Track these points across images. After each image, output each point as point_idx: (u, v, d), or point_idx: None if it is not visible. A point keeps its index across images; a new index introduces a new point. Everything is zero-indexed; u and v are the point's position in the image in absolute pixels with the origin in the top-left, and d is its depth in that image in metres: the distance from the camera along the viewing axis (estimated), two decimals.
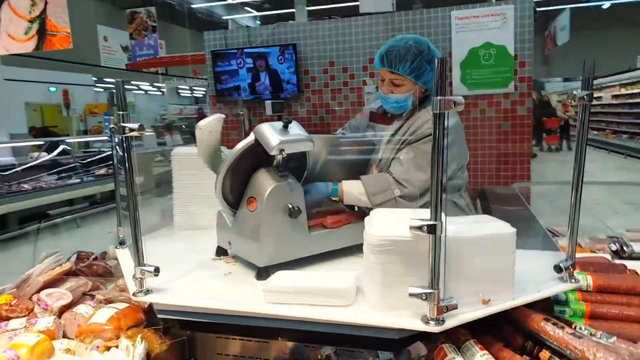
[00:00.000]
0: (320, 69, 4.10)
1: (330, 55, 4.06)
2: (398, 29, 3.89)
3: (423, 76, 1.86)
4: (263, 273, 1.40)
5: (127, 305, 1.61)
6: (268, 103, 3.60)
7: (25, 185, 5.99)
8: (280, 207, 1.43)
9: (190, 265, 1.58)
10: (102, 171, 7.41)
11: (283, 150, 1.40)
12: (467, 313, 1.18)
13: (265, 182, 1.44)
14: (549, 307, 1.54)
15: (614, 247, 2.16)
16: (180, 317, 1.33)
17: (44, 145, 7.27)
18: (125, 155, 1.26)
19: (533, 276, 1.41)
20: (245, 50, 4.23)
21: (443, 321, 1.13)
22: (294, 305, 1.23)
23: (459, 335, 1.28)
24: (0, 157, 6.65)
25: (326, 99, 4.12)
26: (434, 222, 1.07)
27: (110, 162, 7.90)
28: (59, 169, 6.90)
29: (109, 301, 1.78)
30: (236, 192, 1.54)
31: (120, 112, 1.25)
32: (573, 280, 1.37)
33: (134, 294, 1.35)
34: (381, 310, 1.18)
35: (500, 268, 1.23)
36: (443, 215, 1.09)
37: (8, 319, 1.69)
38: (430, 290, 1.10)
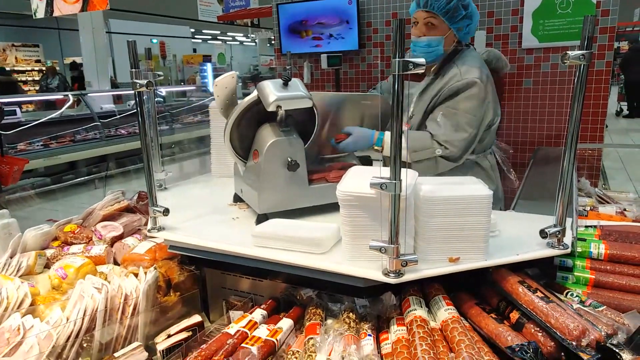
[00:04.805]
0: (383, 20, 4.01)
1: (394, 7, 3.94)
2: None
3: (458, 21, 1.86)
4: (262, 219, 1.54)
5: None
6: (323, 57, 3.62)
7: (122, 131, 6.69)
8: (279, 160, 1.54)
9: (207, 208, 1.76)
10: (190, 119, 7.99)
11: (280, 106, 1.48)
12: (430, 269, 1.23)
13: (266, 137, 1.55)
14: (553, 272, 1.52)
15: None
16: (186, 253, 1.53)
17: None
18: (138, 108, 1.43)
19: (529, 240, 1.40)
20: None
21: (402, 274, 1.19)
22: (276, 250, 1.36)
23: (431, 289, 1.34)
24: (103, 105, 7.42)
25: (387, 52, 4.04)
26: (393, 181, 1.12)
27: (200, 110, 8.41)
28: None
29: (152, 236, 2.04)
30: (246, 144, 1.66)
31: (133, 70, 1.41)
32: (561, 247, 1.34)
33: (148, 230, 1.56)
34: (349, 260, 1.27)
35: (474, 229, 1.24)
36: (403, 173, 1.13)
37: (71, 244, 2.02)
38: (390, 245, 1.16)
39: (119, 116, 7.12)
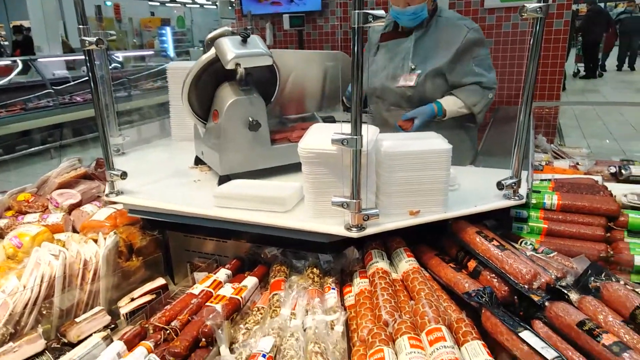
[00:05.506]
0: None
1: None
2: None
3: None
4: (224, 181, 1.52)
5: None
6: (286, 17, 3.53)
7: (78, 98, 6.40)
8: (240, 120, 1.51)
9: (167, 172, 1.73)
10: (149, 85, 7.71)
11: (239, 64, 1.44)
12: (391, 223, 1.25)
13: (226, 96, 1.51)
14: (509, 223, 1.58)
15: (612, 170, 2.09)
16: (147, 217, 1.50)
17: None
18: (89, 68, 1.36)
19: (487, 192, 1.43)
20: None
21: (364, 228, 1.21)
22: (239, 210, 1.35)
23: (393, 243, 1.37)
24: (55, 71, 7.05)
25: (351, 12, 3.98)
26: (354, 137, 1.11)
27: (160, 76, 8.10)
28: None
29: (112, 202, 1.99)
30: (206, 105, 1.62)
31: (80, 27, 1.33)
32: (517, 198, 1.39)
33: (106, 195, 1.52)
34: (312, 217, 1.27)
35: (433, 183, 1.27)
36: (364, 129, 1.13)
37: (25, 213, 1.95)
38: (352, 200, 1.17)
39: (73, 83, 6.78)
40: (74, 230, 1.88)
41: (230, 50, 1.44)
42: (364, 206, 1.19)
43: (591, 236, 1.48)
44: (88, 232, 1.72)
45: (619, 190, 1.66)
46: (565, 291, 1.09)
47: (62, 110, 6.12)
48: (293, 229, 1.28)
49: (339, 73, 1.88)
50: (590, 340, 0.93)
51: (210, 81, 1.58)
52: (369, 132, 1.21)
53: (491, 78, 2.06)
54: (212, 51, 1.51)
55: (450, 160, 1.26)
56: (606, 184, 1.80)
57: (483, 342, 0.97)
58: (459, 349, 0.97)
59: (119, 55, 8.86)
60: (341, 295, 1.23)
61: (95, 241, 1.53)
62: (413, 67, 2.05)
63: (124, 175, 1.47)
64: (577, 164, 2.25)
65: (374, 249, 1.31)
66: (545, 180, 1.80)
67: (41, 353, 1.12)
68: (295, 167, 1.59)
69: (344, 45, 4.03)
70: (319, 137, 1.25)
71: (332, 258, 1.38)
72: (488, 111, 3.59)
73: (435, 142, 1.29)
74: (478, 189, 1.46)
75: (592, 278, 1.13)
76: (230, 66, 1.44)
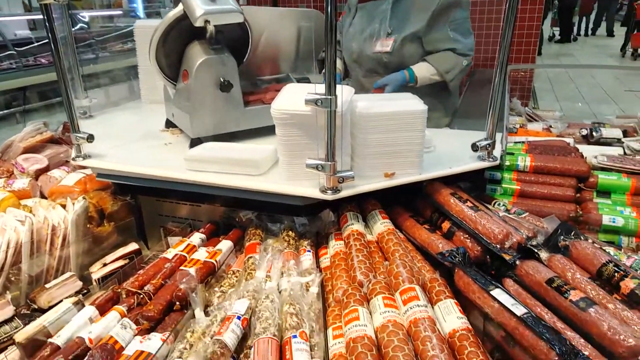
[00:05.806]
0: None
1: None
2: None
3: None
4: (195, 144, 1.48)
5: None
6: None
7: (42, 60, 6.11)
8: (211, 80, 1.46)
9: (137, 135, 1.67)
10: (118, 47, 7.39)
11: (208, 21, 1.38)
12: (366, 185, 1.24)
13: (195, 55, 1.45)
14: (483, 185, 1.60)
15: (584, 132, 2.13)
16: (116, 180, 1.46)
17: None
18: (47, 23, 1.28)
19: (462, 154, 1.43)
20: None
21: (339, 191, 1.20)
22: (212, 173, 1.32)
23: (368, 205, 1.36)
24: (16, 31, 6.68)
25: None
26: (328, 97, 1.09)
27: (129, 38, 7.78)
28: (77, 45, 6.92)
29: (81, 167, 1.92)
30: (175, 65, 1.56)
31: None
32: (491, 159, 1.39)
33: (73, 159, 1.47)
34: (287, 180, 1.25)
35: (409, 144, 1.26)
36: (339, 89, 1.10)
37: None
38: (326, 162, 1.15)
39: (36, 44, 6.44)
40: (42, 196, 1.82)
41: (198, 6, 1.37)
42: (339, 168, 1.18)
43: (562, 197, 1.51)
44: (57, 197, 1.67)
45: (590, 152, 1.70)
46: (536, 250, 1.11)
47: (25, 72, 5.84)
48: (267, 192, 1.26)
49: (312, 33, 1.82)
50: (559, 296, 0.96)
51: (179, 39, 1.52)
52: (344, 92, 1.18)
53: (467, 44, 1.99)
54: (180, 7, 1.44)
55: (425, 121, 1.25)
56: (577, 146, 1.84)
57: (456, 301, 0.99)
58: (432, 307, 0.99)
59: (85, 15, 8.42)
60: (316, 257, 1.23)
61: (64, 206, 1.48)
62: (390, 31, 1.99)
63: (90, 138, 1.42)
64: (550, 126, 2.28)
65: (349, 211, 1.31)
66: (519, 142, 1.83)
67: (10, 319, 1.10)
68: (269, 130, 1.55)
69: (320, 5, 3.92)
70: (293, 98, 1.22)
71: (308, 221, 1.37)
72: (466, 74, 3.60)
73: (411, 103, 1.27)
74: (453, 151, 1.46)
75: (562, 237, 1.15)
76: (199, 23, 1.38)
